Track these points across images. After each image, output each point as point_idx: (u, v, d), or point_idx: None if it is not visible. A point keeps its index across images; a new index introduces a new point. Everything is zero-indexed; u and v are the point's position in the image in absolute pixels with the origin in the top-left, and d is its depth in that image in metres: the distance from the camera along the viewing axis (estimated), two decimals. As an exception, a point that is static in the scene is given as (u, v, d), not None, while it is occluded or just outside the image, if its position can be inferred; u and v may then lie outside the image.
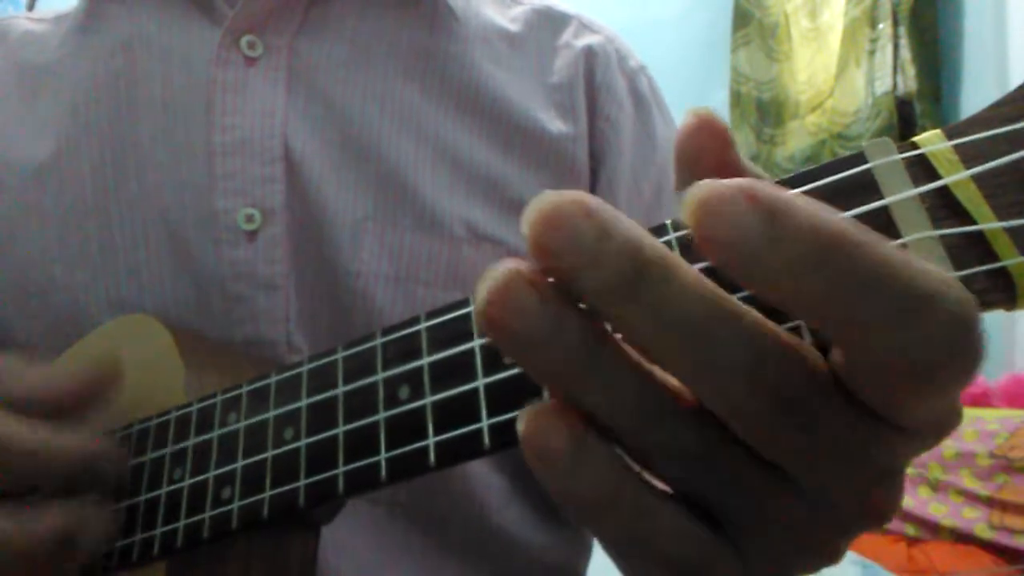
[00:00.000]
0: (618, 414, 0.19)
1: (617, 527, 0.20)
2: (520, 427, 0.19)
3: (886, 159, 0.21)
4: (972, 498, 1.26)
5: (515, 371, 0.24)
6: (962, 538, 1.26)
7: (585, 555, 0.57)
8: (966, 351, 0.17)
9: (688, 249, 0.23)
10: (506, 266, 0.19)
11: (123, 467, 0.35)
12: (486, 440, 0.24)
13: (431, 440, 0.25)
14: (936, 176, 0.20)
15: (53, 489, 0.33)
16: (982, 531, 1.24)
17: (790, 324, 0.20)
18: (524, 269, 0.19)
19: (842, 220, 0.17)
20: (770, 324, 0.18)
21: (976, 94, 1.63)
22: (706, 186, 0.17)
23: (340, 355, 0.30)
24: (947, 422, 0.20)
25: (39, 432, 0.33)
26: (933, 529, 1.29)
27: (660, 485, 0.20)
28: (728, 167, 0.22)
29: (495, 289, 0.18)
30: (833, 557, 0.22)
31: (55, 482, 0.33)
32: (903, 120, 1.69)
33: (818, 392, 0.18)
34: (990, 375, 1.48)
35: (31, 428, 0.33)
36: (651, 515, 0.20)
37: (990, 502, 1.25)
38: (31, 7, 1.92)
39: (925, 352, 0.17)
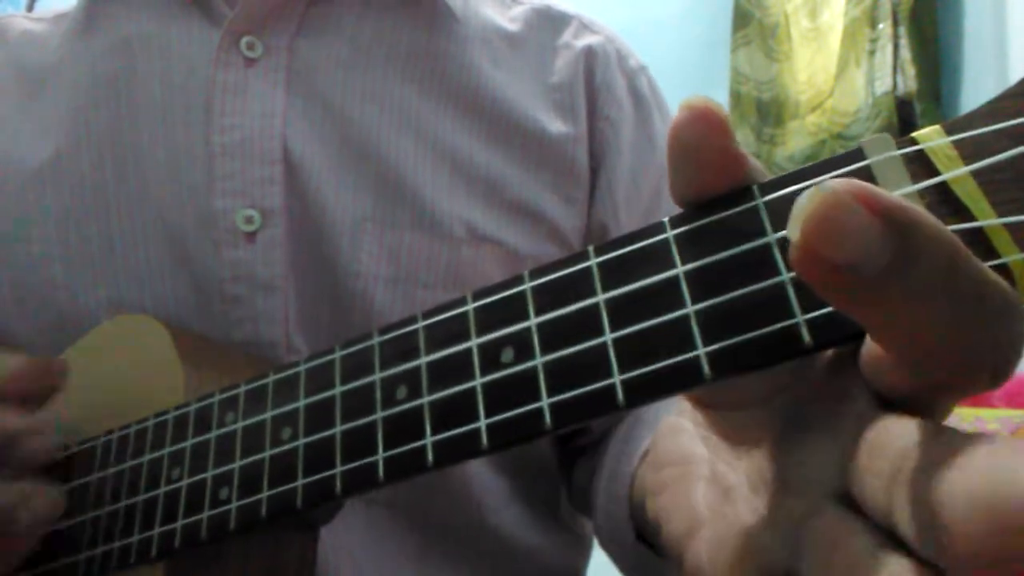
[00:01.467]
0: None
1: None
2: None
3: (885, 155, 0.21)
4: (973, 498, 1.26)
5: (513, 370, 0.24)
6: (963, 538, 1.25)
7: (584, 556, 0.57)
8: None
9: (687, 246, 0.23)
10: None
11: (45, 442, 0.37)
12: (484, 440, 0.24)
13: (429, 440, 0.25)
14: (935, 172, 0.20)
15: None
16: (983, 531, 1.23)
17: None
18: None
19: (948, 229, 0.16)
20: None
21: (976, 94, 1.62)
22: (820, 191, 0.16)
23: (338, 355, 0.30)
24: None
25: None
26: (934, 529, 1.29)
27: None
28: (730, 158, 0.22)
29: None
30: None
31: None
32: (903, 120, 1.69)
33: None
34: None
35: None
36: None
37: (991, 502, 1.24)
38: (30, 8, 1.92)
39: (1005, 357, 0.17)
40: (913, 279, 0.16)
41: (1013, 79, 0.21)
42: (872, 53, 1.77)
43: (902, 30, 1.69)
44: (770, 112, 2.22)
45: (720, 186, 0.22)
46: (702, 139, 0.21)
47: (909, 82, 1.68)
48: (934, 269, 0.16)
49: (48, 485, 0.37)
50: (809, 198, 0.16)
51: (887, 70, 1.71)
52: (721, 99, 2.38)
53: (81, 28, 0.53)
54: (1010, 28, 1.57)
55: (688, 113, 0.21)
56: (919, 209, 0.16)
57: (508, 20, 0.57)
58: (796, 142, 2.08)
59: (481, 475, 0.49)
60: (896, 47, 1.71)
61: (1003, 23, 1.59)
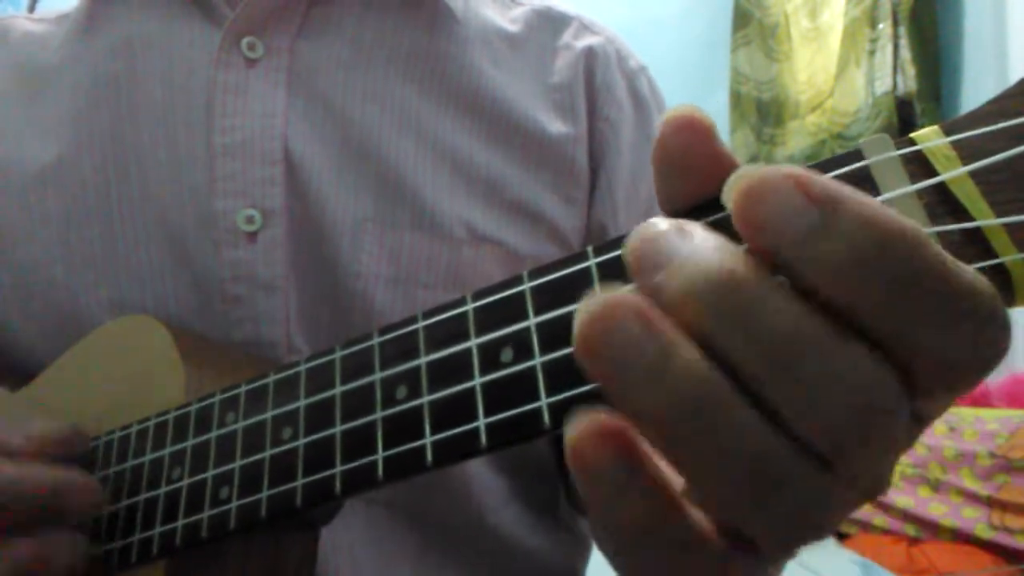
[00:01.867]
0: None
1: (655, 558, 0.19)
2: (567, 435, 0.18)
3: (883, 155, 0.21)
4: (972, 498, 1.26)
5: (511, 371, 0.24)
6: (962, 538, 1.26)
7: (583, 556, 0.57)
8: (1000, 349, 0.18)
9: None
10: (607, 294, 0.18)
11: (96, 498, 0.36)
12: (483, 439, 0.24)
13: (428, 439, 0.25)
14: (934, 172, 0.20)
15: (27, 520, 0.34)
16: (982, 531, 1.24)
17: None
18: (629, 297, 0.18)
19: (897, 216, 0.17)
20: None
21: (976, 94, 1.63)
22: (753, 171, 0.17)
23: (338, 355, 0.30)
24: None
25: (5, 468, 0.34)
26: (933, 529, 1.29)
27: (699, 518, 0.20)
28: (718, 160, 0.21)
29: (595, 315, 0.18)
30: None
31: (26, 514, 0.34)
32: (903, 120, 1.69)
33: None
34: (990, 375, 1.47)
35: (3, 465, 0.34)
36: (691, 550, 0.19)
37: (990, 502, 1.24)
38: (32, 8, 1.92)
39: (967, 351, 0.17)
40: (831, 248, 0.17)
41: (1013, 79, 0.21)
42: (872, 53, 1.77)
43: (902, 30, 1.69)
44: (770, 112, 2.22)
45: (709, 191, 0.22)
46: (688, 146, 0.21)
47: (909, 82, 1.68)
48: (854, 242, 0.17)
49: (74, 531, 0.36)
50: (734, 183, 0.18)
51: (887, 70, 1.71)
52: (721, 99, 2.39)
53: (82, 29, 0.53)
54: (1010, 28, 1.57)
55: (673, 122, 0.21)
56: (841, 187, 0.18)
57: (508, 21, 0.57)
58: (796, 142, 2.08)
59: (480, 475, 0.49)
60: (896, 47, 1.71)
61: (1003, 23, 1.60)
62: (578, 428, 0.18)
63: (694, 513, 0.20)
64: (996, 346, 0.18)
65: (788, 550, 0.20)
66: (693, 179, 0.22)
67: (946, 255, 0.17)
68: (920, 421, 0.20)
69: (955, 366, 0.18)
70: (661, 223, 0.19)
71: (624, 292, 0.18)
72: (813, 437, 0.18)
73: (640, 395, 0.17)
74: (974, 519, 1.25)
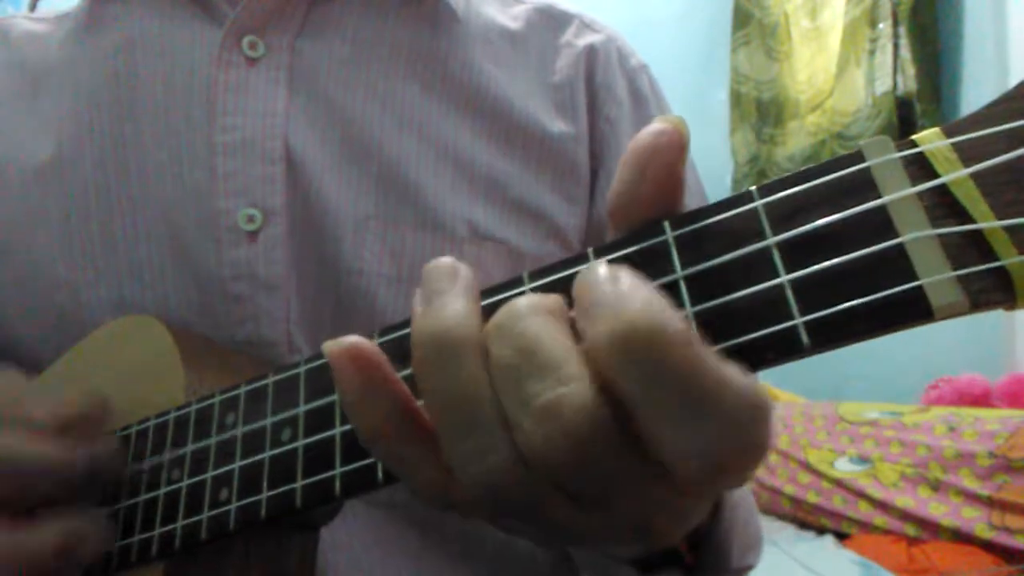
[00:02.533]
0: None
1: (384, 453, 0.25)
2: (325, 351, 0.24)
3: (884, 157, 0.21)
4: (972, 498, 1.26)
5: None
6: (962, 538, 1.25)
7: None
8: (757, 446, 0.20)
9: (687, 248, 0.23)
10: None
11: (122, 469, 0.36)
12: None
13: None
14: (934, 174, 0.20)
15: (58, 496, 0.34)
16: (982, 531, 1.23)
17: None
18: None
19: (656, 312, 0.20)
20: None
21: (976, 94, 1.63)
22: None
23: None
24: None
25: (38, 445, 0.34)
26: (933, 529, 1.29)
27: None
28: (673, 178, 0.24)
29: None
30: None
31: (57, 490, 0.34)
32: (903, 120, 1.69)
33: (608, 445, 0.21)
34: (990, 375, 1.47)
35: (31, 440, 0.34)
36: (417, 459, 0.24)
37: (990, 502, 1.24)
38: (33, 7, 1.92)
39: (713, 449, 0.20)
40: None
41: (1013, 79, 0.21)
42: (872, 53, 1.77)
43: (902, 30, 1.69)
44: (770, 112, 2.22)
45: (652, 205, 0.24)
46: (657, 152, 0.24)
47: (909, 82, 1.68)
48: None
49: (101, 512, 0.36)
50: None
51: (887, 70, 1.71)
52: (721, 99, 2.39)
53: (83, 28, 0.53)
54: (1010, 28, 1.57)
55: (656, 126, 0.24)
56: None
57: (510, 19, 0.57)
58: (796, 142, 2.08)
59: None
60: (896, 47, 1.71)
61: (1003, 23, 1.60)
62: (331, 346, 0.24)
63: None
64: (747, 445, 0.20)
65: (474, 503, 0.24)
66: (646, 182, 0.24)
67: (704, 353, 0.19)
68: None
69: (702, 462, 0.20)
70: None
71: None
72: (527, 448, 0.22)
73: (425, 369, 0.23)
74: (974, 519, 1.25)
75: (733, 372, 0.20)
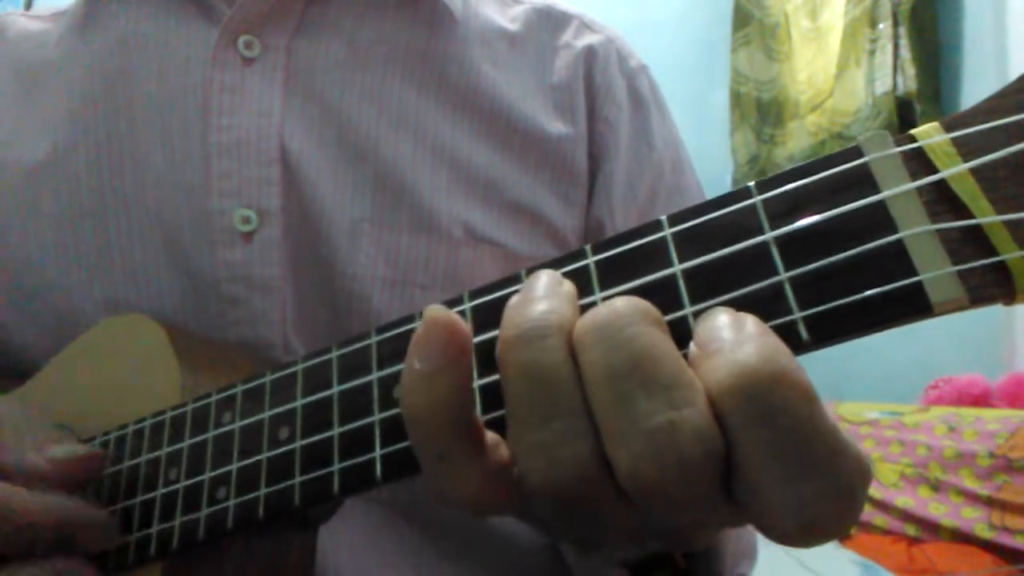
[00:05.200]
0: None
1: (427, 443, 0.24)
2: (427, 314, 0.23)
3: (883, 152, 0.21)
4: (972, 498, 1.26)
5: None
6: (962, 538, 1.25)
7: (584, 555, 0.57)
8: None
9: (685, 244, 0.23)
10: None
11: (110, 532, 0.35)
12: None
13: None
14: (934, 169, 0.20)
15: (42, 548, 0.33)
16: (982, 531, 1.23)
17: None
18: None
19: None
20: None
21: (976, 94, 1.62)
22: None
23: (335, 354, 0.29)
24: None
25: (19, 495, 0.33)
26: (933, 529, 1.29)
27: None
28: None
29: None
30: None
31: (35, 544, 0.33)
32: (903, 120, 1.69)
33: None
34: (990, 375, 1.47)
35: (13, 491, 0.33)
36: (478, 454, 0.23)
37: (990, 502, 1.24)
38: (28, 6, 1.92)
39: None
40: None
41: (1013, 78, 0.21)
42: (872, 53, 1.77)
43: (902, 30, 1.69)
44: (770, 112, 2.22)
45: None
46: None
47: (909, 82, 1.68)
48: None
49: (81, 562, 0.35)
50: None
51: (887, 70, 1.71)
52: (721, 99, 2.39)
53: (79, 26, 0.53)
54: (1010, 28, 1.57)
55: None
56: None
57: (508, 20, 0.57)
58: (796, 142, 2.08)
59: None
60: (896, 47, 1.71)
61: (1003, 23, 1.59)
62: (435, 311, 0.23)
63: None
64: (845, 512, 0.20)
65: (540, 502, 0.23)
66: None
67: (825, 414, 0.20)
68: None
69: (798, 519, 0.20)
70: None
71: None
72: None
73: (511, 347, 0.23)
74: (974, 519, 1.25)
75: (847, 437, 0.20)
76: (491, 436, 0.24)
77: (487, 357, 0.25)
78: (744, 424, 0.20)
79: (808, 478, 0.19)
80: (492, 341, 0.25)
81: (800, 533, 0.20)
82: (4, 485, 0.33)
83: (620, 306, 0.22)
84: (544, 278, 0.24)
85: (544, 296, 0.23)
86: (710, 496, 0.21)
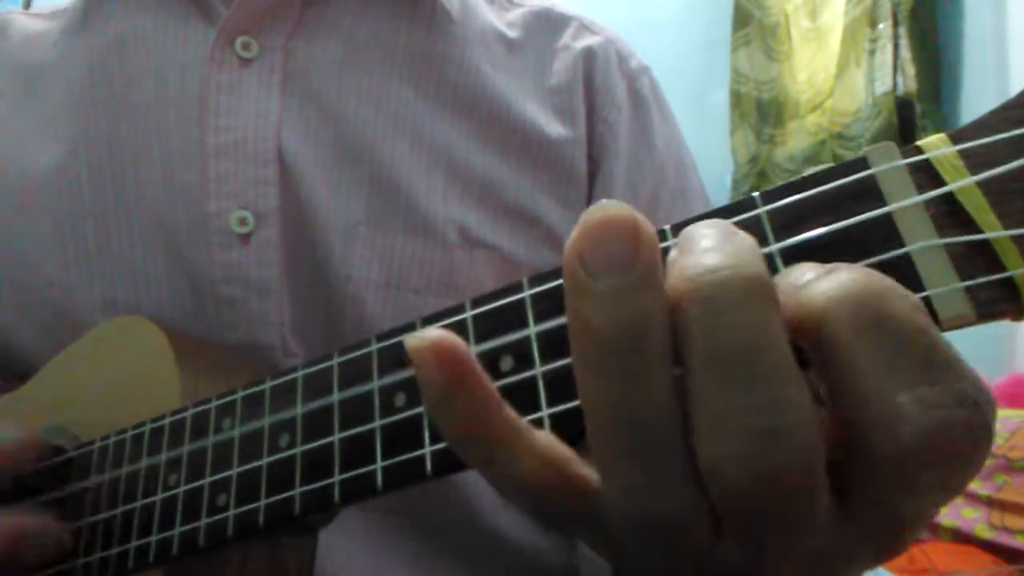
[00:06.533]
0: None
1: (473, 454, 0.22)
2: (407, 346, 0.21)
3: (889, 164, 0.21)
4: (972, 498, 1.26)
5: (512, 379, 0.24)
6: (962, 538, 1.25)
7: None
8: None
9: None
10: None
11: (63, 538, 0.36)
12: None
13: (427, 449, 0.25)
14: (941, 182, 0.20)
15: None
16: (982, 531, 1.23)
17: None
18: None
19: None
20: None
21: (976, 94, 1.62)
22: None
23: (335, 361, 0.29)
24: None
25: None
26: (933, 529, 1.29)
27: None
28: None
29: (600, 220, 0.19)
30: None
31: None
32: (903, 120, 1.68)
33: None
34: (990, 375, 1.47)
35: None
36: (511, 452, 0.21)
37: (990, 502, 1.24)
38: (27, 5, 1.91)
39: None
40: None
41: (1013, 79, 0.21)
42: (872, 53, 1.77)
43: (902, 30, 1.69)
44: (770, 112, 2.22)
45: None
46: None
47: (909, 82, 1.67)
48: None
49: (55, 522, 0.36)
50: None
51: (887, 70, 1.71)
52: (721, 99, 2.38)
53: (78, 25, 0.53)
54: (1010, 28, 1.57)
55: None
56: None
57: (506, 24, 0.57)
58: (796, 142, 2.08)
59: (476, 480, 0.49)
60: (896, 47, 1.70)
61: (1003, 23, 1.59)
62: (414, 340, 0.21)
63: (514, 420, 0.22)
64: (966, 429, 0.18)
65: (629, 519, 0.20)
66: None
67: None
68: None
69: (917, 424, 0.17)
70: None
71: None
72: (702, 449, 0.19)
73: (591, 303, 0.19)
74: (974, 519, 1.25)
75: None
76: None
77: (490, 364, 0.25)
78: (854, 332, 0.18)
79: (929, 382, 0.17)
80: (496, 350, 0.25)
81: (920, 441, 0.17)
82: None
83: (725, 277, 0.18)
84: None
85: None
86: (816, 506, 0.19)
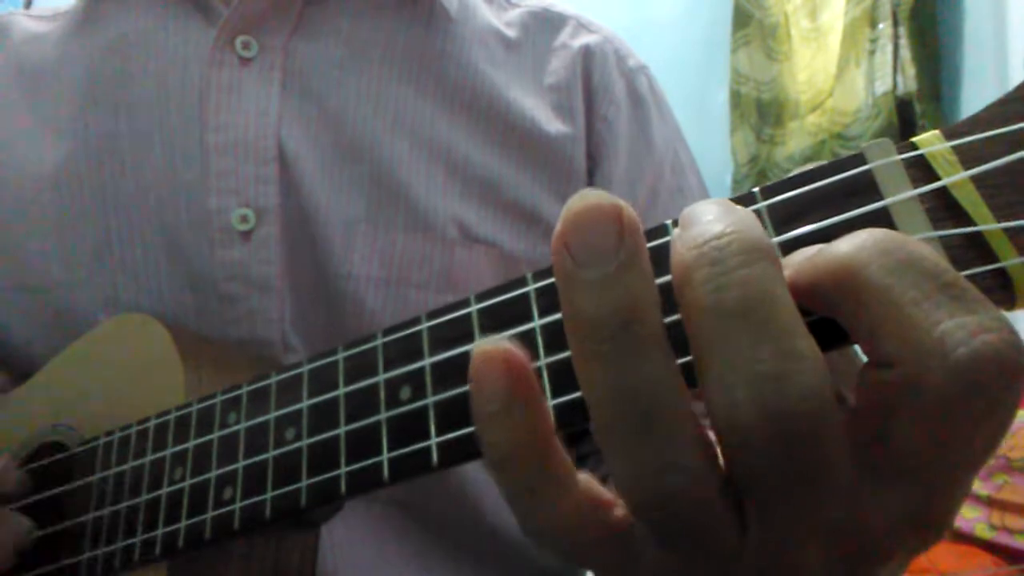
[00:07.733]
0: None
1: (515, 480, 0.21)
2: (475, 351, 0.21)
3: (886, 160, 0.21)
4: (972, 498, 1.26)
5: None
6: (962, 538, 1.25)
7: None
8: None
9: None
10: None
11: (21, 539, 0.37)
12: None
13: (433, 440, 0.25)
14: (935, 177, 0.20)
15: None
16: (982, 531, 1.23)
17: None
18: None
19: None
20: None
21: (976, 94, 1.62)
22: None
23: (341, 355, 0.30)
24: None
25: None
26: (933, 529, 1.29)
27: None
28: None
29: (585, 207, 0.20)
30: None
31: None
32: (903, 120, 1.68)
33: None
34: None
35: None
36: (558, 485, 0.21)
37: (990, 502, 1.24)
38: (28, 5, 1.92)
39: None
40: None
41: (1013, 79, 0.21)
42: (872, 53, 1.77)
43: (902, 30, 1.69)
44: (770, 112, 2.22)
45: None
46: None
47: (909, 82, 1.68)
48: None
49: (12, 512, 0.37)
50: None
51: (887, 70, 1.71)
52: (721, 99, 2.38)
53: (79, 26, 0.53)
54: (1010, 28, 1.57)
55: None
56: None
57: (504, 24, 0.57)
58: (796, 142, 2.08)
59: (478, 476, 0.49)
60: (896, 47, 1.70)
61: (1003, 23, 1.59)
62: (484, 346, 0.21)
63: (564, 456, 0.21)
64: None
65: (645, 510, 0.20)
66: None
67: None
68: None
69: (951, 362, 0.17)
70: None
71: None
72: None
73: (581, 292, 0.20)
74: (974, 519, 1.25)
75: None
76: (583, 476, 0.22)
77: None
78: (887, 271, 0.18)
79: (968, 311, 0.17)
80: None
81: (971, 360, 0.17)
82: None
83: (726, 238, 0.19)
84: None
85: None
86: (837, 460, 0.18)
